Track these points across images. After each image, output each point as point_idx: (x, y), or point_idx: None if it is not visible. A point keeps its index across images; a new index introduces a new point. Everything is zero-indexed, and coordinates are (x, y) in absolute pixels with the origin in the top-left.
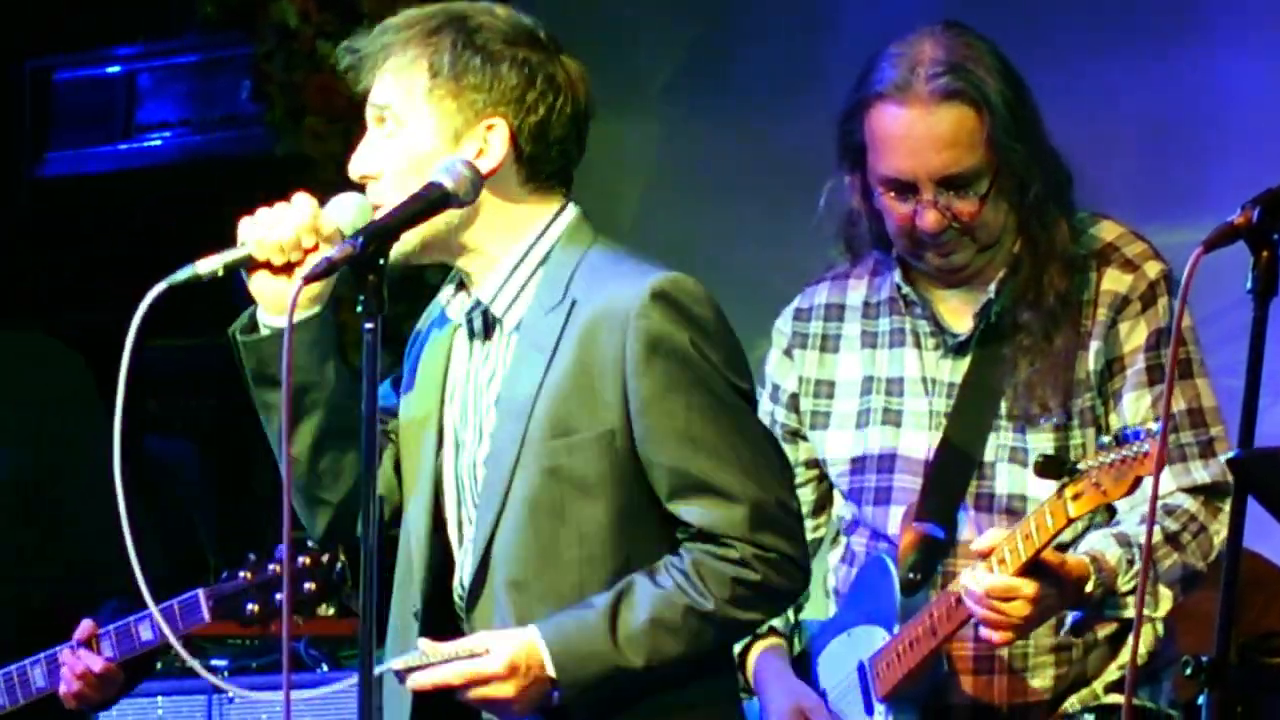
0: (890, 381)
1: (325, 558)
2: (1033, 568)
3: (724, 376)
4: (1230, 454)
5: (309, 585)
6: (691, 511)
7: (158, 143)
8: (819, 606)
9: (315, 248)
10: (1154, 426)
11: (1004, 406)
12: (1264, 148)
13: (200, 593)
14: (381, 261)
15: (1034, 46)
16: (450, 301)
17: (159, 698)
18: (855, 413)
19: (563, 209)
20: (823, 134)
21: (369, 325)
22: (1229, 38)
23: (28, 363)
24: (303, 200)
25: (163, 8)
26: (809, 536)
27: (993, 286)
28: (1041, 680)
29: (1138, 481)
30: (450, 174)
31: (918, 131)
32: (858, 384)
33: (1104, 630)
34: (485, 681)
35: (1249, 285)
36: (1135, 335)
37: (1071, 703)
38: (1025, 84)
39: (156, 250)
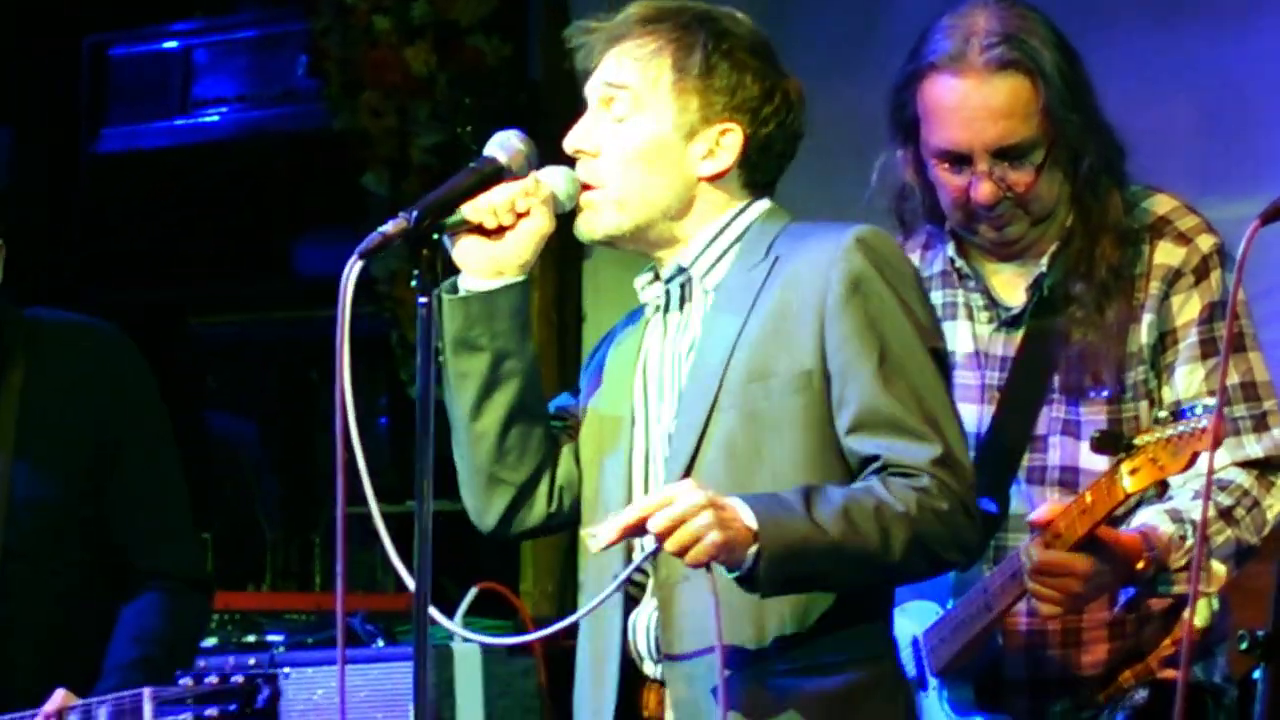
0: None
1: (243, 686)
2: (1087, 543)
3: (921, 327)
4: None
5: (232, 707)
6: (878, 444)
7: (214, 118)
8: None
9: (527, 213)
10: (1210, 401)
11: (1056, 379)
12: None
13: (146, 691)
14: (436, 236)
15: (1090, 20)
16: (645, 289)
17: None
18: None
19: (756, 200)
20: (877, 104)
21: (423, 300)
22: None
23: (88, 347)
24: None
25: None
26: None
27: (1045, 259)
28: (1096, 655)
29: (1194, 457)
30: (505, 149)
31: (973, 102)
32: None
33: (1158, 605)
34: (671, 503)
35: None
36: (1188, 308)
37: (1126, 677)
38: (1078, 55)
39: (215, 225)
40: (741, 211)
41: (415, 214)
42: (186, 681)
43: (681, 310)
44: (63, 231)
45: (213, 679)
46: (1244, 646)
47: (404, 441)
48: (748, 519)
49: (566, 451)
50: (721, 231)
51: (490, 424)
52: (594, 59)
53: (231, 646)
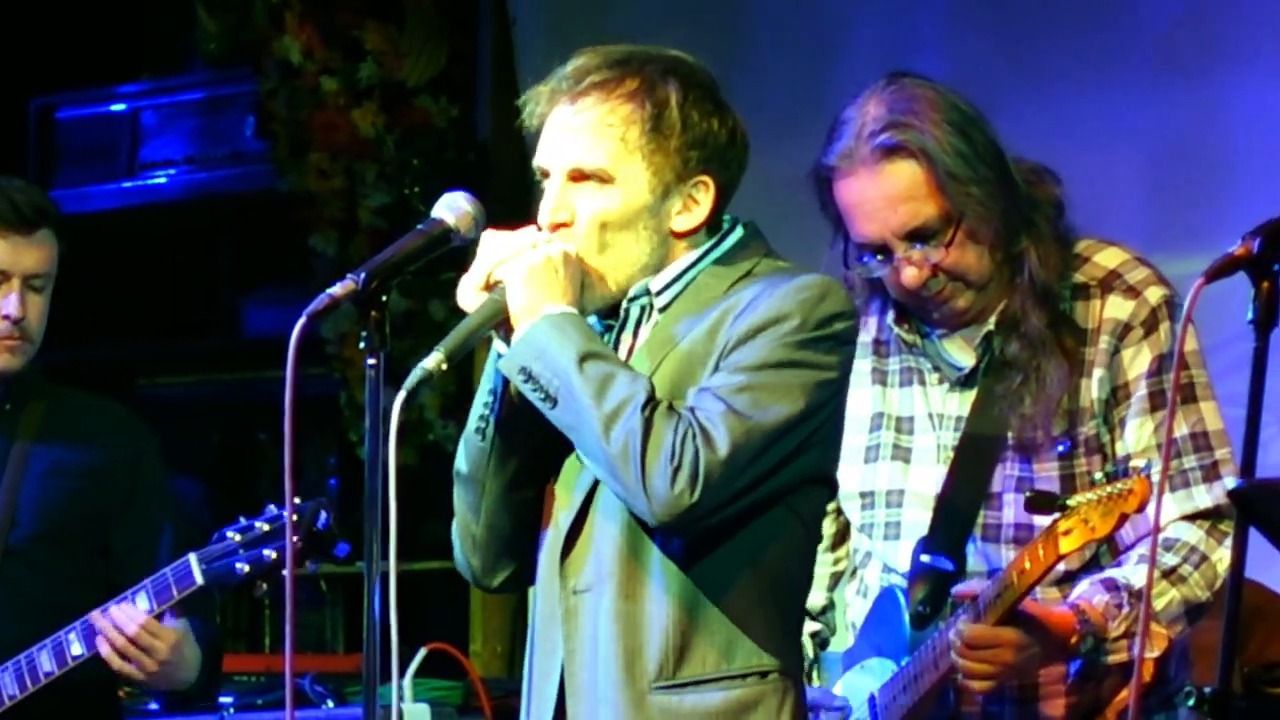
0: (901, 419)
1: (309, 510)
2: (1016, 617)
3: (799, 355)
4: (1232, 485)
5: (294, 538)
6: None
7: (162, 180)
8: (842, 639)
9: None
10: (1139, 463)
11: (1009, 437)
12: (1270, 178)
13: (192, 556)
14: (384, 298)
15: (1041, 78)
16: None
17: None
18: (864, 447)
19: (732, 227)
20: None
21: (372, 361)
22: (1236, 68)
23: (102, 406)
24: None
25: (166, 46)
26: (830, 569)
27: (993, 319)
28: (1053, 709)
29: (1123, 518)
30: (453, 210)
31: (870, 194)
32: (867, 419)
33: (1116, 658)
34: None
35: (1250, 316)
36: (1138, 362)
37: None
38: (978, 124)
39: (162, 286)
40: (718, 243)
41: (363, 276)
42: (232, 534)
43: (636, 333)
44: None
45: (261, 523)
46: (1191, 703)
47: (353, 503)
48: (547, 308)
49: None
50: (697, 261)
51: (529, 494)
52: (552, 119)
53: (179, 708)
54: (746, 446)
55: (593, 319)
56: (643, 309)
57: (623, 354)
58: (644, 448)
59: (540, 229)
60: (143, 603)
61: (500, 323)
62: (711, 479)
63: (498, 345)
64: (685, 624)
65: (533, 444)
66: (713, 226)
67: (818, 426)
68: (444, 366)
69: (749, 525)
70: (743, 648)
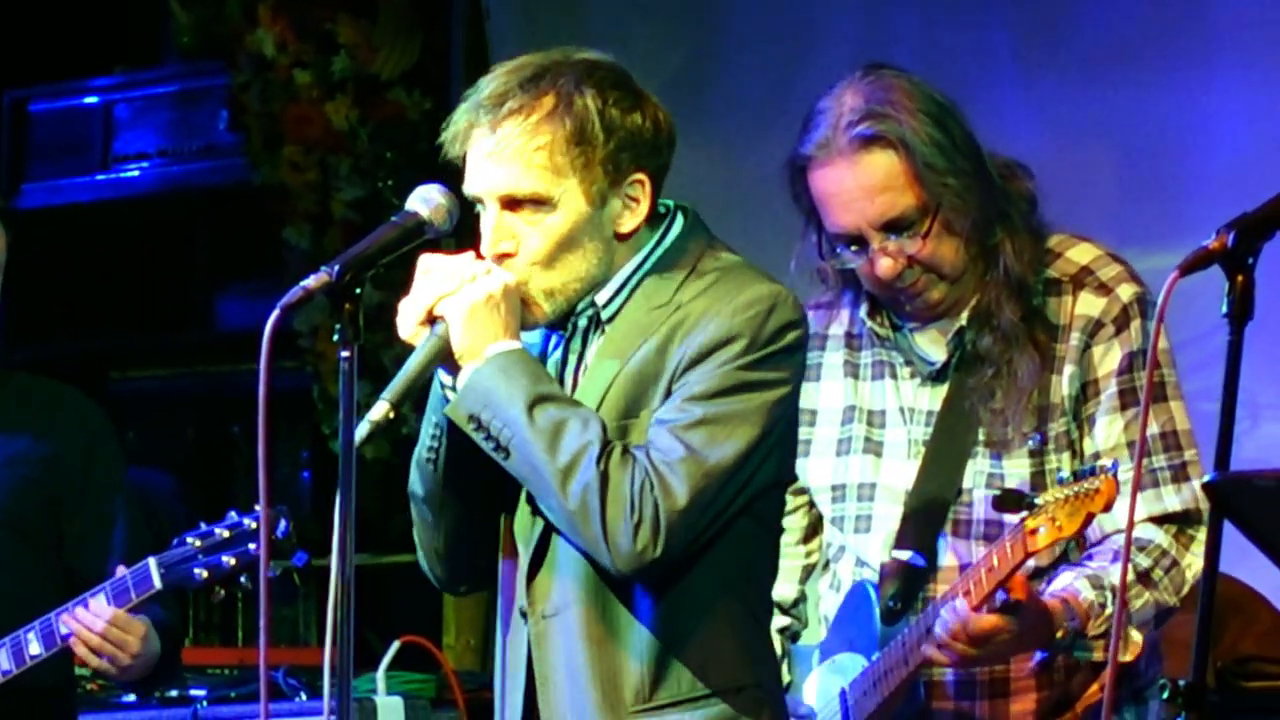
0: (872, 413)
1: (271, 518)
2: (1006, 604)
3: (752, 367)
4: (1205, 478)
5: (252, 546)
6: (651, 426)
7: (135, 173)
8: (814, 632)
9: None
10: (1106, 463)
11: (980, 433)
12: (1241, 173)
13: (151, 561)
14: (358, 290)
15: (1013, 75)
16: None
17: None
18: (835, 440)
19: (672, 218)
20: None
21: (345, 354)
22: (1208, 65)
23: (58, 394)
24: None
25: (139, 39)
26: (802, 561)
27: (965, 313)
28: (1024, 704)
29: (1089, 518)
30: (426, 203)
31: (847, 184)
32: (839, 412)
33: (1093, 656)
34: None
35: (1224, 309)
36: (1109, 359)
37: None
38: (954, 116)
39: (135, 279)
40: (659, 242)
41: (337, 268)
42: (191, 540)
43: (585, 343)
44: None
45: (221, 529)
46: (1165, 695)
47: (326, 496)
48: (491, 348)
49: None
50: (640, 265)
51: (488, 516)
52: (475, 150)
53: (153, 700)
54: (706, 490)
55: (538, 335)
56: (590, 319)
57: (573, 369)
58: (603, 504)
59: (480, 257)
60: (101, 604)
61: (444, 357)
62: (674, 531)
63: (443, 377)
64: (659, 645)
65: (485, 473)
66: (653, 217)
67: (774, 440)
68: (390, 415)
69: (715, 542)
70: (719, 664)
